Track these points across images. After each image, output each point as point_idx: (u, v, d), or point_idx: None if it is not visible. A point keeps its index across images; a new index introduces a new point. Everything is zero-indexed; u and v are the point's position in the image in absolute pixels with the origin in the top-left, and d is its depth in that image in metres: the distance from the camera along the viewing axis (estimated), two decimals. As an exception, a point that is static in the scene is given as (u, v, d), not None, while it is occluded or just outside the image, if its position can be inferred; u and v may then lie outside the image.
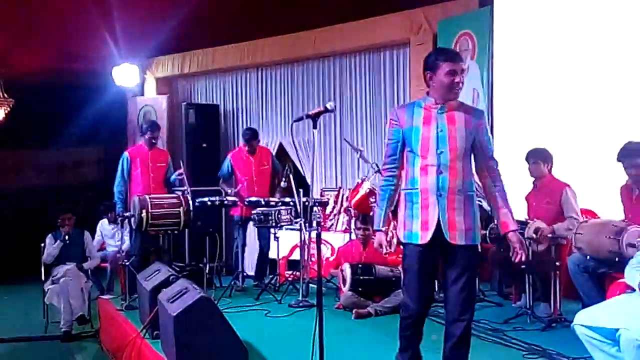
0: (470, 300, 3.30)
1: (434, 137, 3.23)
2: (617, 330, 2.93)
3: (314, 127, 3.54)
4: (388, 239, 3.66)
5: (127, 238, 6.86)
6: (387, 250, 3.42)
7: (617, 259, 4.10)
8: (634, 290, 3.23)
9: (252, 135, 6.83)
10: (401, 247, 3.41)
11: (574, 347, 3.30)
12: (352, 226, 6.26)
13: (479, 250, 3.38)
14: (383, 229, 3.44)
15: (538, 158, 5.15)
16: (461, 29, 7.07)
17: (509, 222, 3.33)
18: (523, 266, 4.97)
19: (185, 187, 6.10)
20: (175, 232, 6.04)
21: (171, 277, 4.63)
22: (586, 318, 3.11)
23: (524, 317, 4.96)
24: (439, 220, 3.21)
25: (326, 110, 3.56)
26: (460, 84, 3.26)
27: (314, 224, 3.54)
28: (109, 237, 7.73)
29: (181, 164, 6.37)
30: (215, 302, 4.86)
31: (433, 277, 3.46)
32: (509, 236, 3.32)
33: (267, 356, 4.26)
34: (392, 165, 3.39)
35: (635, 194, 4.49)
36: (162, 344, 4.35)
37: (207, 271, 5.97)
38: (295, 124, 3.88)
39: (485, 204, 4.38)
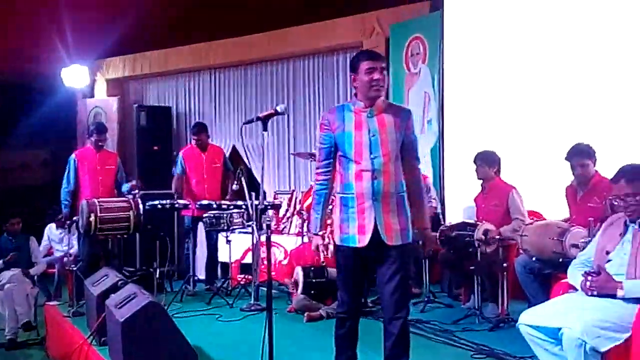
0: (405, 297, 3.34)
1: (366, 143, 3.27)
2: (559, 329, 2.98)
3: (264, 129, 3.54)
4: (325, 242, 3.66)
5: (75, 243, 6.71)
6: (324, 254, 3.44)
7: (560, 260, 4.18)
8: (576, 289, 3.31)
9: (200, 129, 6.78)
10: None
11: (521, 347, 3.36)
12: (305, 229, 6.26)
13: (412, 247, 3.40)
14: (320, 233, 3.47)
15: (483, 161, 5.25)
16: (413, 33, 7.16)
17: (423, 220, 3.41)
18: (472, 267, 5.09)
19: (136, 191, 6.00)
20: (125, 236, 5.94)
21: (120, 282, 4.55)
22: (530, 318, 3.17)
23: (472, 318, 5.03)
24: (375, 224, 3.27)
25: (277, 113, 3.56)
26: (381, 82, 3.26)
27: (264, 227, 3.48)
28: (57, 242, 7.57)
29: (133, 180, 6.29)
30: (165, 307, 4.82)
31: (365, 276, 3.50)
32: (424, 233, 3.39)
33: (216, 360, 4.23)
34: (326, 170, 3.41)
35: (580, 195, 4.61)
36: (110, 350, 4.27)
37: (157, 275, 5.88)
38: (247, 126, 3.85)
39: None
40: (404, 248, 3.30)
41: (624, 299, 3.05)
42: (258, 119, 3.54)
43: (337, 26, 7.97)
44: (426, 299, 5.62)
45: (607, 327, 2.94)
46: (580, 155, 4.54)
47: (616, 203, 3.32)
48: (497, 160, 5.26)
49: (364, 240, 3.27)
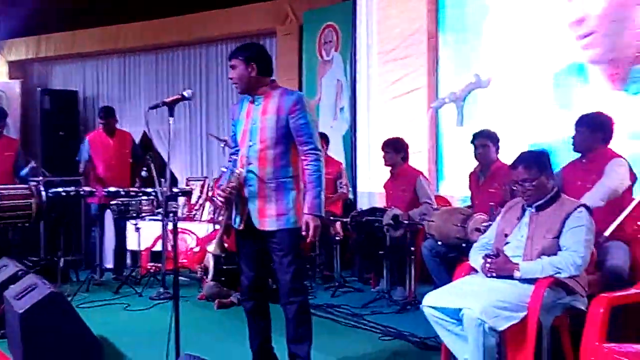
0: (296, 282, 3.35)
1: (248, 131, 3.35)
2: (460, 310, 3.08)
3: (170, 115, 3.46)
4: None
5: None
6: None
7: (464, 245, 4.32)
8: (477, 272, 3.42)
9: (107, 113, 6.55)
10: None
11: (426, 328, 3.44)
12: (217, 215, 6.19)
13: (299, 232, 3.34)
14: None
15: (391, 147, 5.35)
16: (326, 21, 7.20)
17: (308, 205, 3.34)
18: (381, 252, 5.19)
19: (39, 178, 5.75)
20: (27, 224, 5.68)
21: (19, 273, 4.35)
22: (433, 299, 3.25)
23: (382, 301, 5.15)
24: (249, 209, 3.33)
25: (183, 98, 3.48)
26: (232, 79, 3.37)
27: (171, 215, 3.43)
28: (-46, 232, 7.17)
29: (31, 160, 6.02)
30: (70, 297, 4.66)
31: (260, 261, 3.47)
32: (305, 219, 3.34)
33: (124, 351, 4.13)
34: (235, 157, 3.51)
35: (482, 181, 4.77)
36: (9, 344, 4.09)
37: (62, 265, 5.67)
38: (158, 111, 3.75)
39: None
40: (286, 232, 3.31)
41: (520, 279, 3.18)
42: (164, 104, 3.45)
43: (251, 12, 7.90)
44: (337, 284, 5.70)
45: (505, 307, 3.04)
46: (482, 136, 4.72)
47: (515, 188, 3.45)
48: (404, 146, 5.38)
49: (240, 224, 3.37)
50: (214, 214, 6.57)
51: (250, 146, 3.32)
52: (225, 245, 3.60)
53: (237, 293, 5.25)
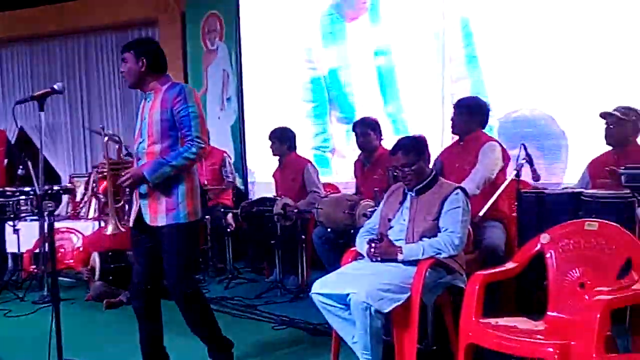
0: (180, 276, 3.31)
1: (139, 128, 3.34)
2: (347, 295, 3.14)
3: (40, 109, 3.28)
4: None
5: None
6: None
7: (352, 231, 4.40)
8: (364, 257, 3.50)
9: None
10: None
11: (318, 314, 3.49)
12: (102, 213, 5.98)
13: (192, 226, 3.35)
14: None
15: (277, 138, 5.39)
16: (209, 10, 7.09)
17: (148, 165, 3.28)
18: (273, 241, 5.21)
19: None
20: None
21: None
22: (321, 286, 3.29)
23: (275, 291, 5.16)
24: (140, 205, 3.31)
25: (53, 91, 3.31)
26: (123, 72, 3.37)
27: (46, 214, 3.26)
28: None
29: None
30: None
31: (152, 259, 3.39)
32: (134, 169, 3.32)
33: (3, 358, 3.92)
34: None
35: (366, 168, 4.88)
36: None
37: None
38: (33, 107, 3.58)
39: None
40: (173, 228, 3.26)
41: (403, 262, 3.28)
42: (32, 98, 3.28)
43: (129, 0, 7.64)
44: (230, 276, 5.66)
45: (389, 289, 3.13)
46: (363, 124, 4.82)
47: (395, 173, 3.55)
48: (290, 136, 5.41)
49: (131, 221, 3.34)
50: (100, 211, 6.35)
51: (140, 143, 3.29)
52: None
53: (126, 292, 5.09)
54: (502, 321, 2.89)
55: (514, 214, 3.96)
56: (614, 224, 2.91)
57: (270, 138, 5.39)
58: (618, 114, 3.82)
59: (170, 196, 3.26)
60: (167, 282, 3.34)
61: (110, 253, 5.29)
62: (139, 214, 3.31)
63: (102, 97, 8.06)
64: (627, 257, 2.79)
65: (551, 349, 2.47)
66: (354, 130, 4.85)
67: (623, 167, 3.06)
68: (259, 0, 6.73)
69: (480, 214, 3.62)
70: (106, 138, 3.54)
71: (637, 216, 3.11)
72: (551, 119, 4.92)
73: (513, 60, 5.07)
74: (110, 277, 5.21)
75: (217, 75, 7.10)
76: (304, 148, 5.96)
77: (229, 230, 5.85)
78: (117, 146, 3.55)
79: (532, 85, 5.01)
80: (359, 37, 6.03)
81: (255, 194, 6.68)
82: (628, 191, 3.27)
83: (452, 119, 4.20)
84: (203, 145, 3.24)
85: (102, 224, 5.92)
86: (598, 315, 2.34)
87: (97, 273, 5.23)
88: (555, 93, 4.88)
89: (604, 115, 3.90)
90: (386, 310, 3.11)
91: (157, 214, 3.26)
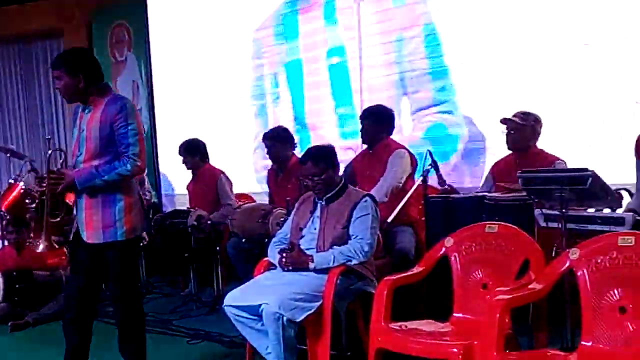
0: (122, 296, 3.24)
1: (77, 140, 3.23)
2: (259, 306, 3.14)
3: None
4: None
5: None
6: None
7: (266, 241, 4.39)
8: (276, 267, 3.51)
9: None
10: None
11: (234, 326, 3.47)
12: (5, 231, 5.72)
13: (132, 243, 3.27)
14: None
15: (187, 151, 5.34)
16: (116, 20, 6.95)
17: (82, 171, 3.22)
18: (187, 254, 5.14)
19: None
20: None
21: None
22: (233, 298, 3.28)
23: (191, 304, 5.09)
24: (77, 221, 3.23)
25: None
26: (59, 89, 3.22)
27: None
28: None
29: None
30: None
31: (89, 275, 3.30)
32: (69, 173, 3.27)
33: None
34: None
35: (280, 177, 4.88)
36: None
37: None
38: None
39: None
40: (112, 246, 3.17)
41: (315, 270, 3.31)
42: None
43: (35, 10, 7.38)
44: (144, 291, 5.53)
45: (301, 298, 3.16)
46: (271, 137, 4.82)
47: (306, 183, 3.58)
48: (200, 147, 5.36)
49: (70, 235, 3.29)
50: (2, 229, 6.07)
51: (77, 157, 3.18)
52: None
53: (33, 313, 4.91)
54: (411, 325, 2.97)
55: (423, 219, 4.06)
56: (512, 226, 3.05)
57: (179, 153, 5.33)
58: (517, 119, 3.97)
59: (108, 212, 3.16)
60: (109, 298, 3.28)
61: (15, 273, 5.07)
62: (77, 229, 3.22)
63: (4, 111, 7.74)
64: (525, 258, 2.92)
65: (455, 350, 2.56)
66: (263, 141, 4.85)
67: (520, 171, 3.19)
68: (169, 8, 6.63)
69: (389, 220, 3.70)
70: (8, 154, 3.43)
71: (536, 218, 3.25)
72: (470, 122, 4.97)
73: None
74: (16, 298, 4.99)
75: (127, 86, 6.95)
76: (249, 149, 5.90)
77: (142, 244, 5.71)
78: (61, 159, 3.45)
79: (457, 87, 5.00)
80: (313, 34, 5.79)
81: (176, 205, 6.53)
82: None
83: (361, 130, 4.28)
84: (139, 164, 3.17)
85: (6, 243, 5.66)
86: (497, 315, 2.43)
87: (1, 294, 5.00)
88: (473, 95, 4.90)
89: (504, 121, 4.05)
90: (299, 320, 3.14)
91: (94, 230, 3.15)
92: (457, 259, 3.11)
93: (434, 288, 3.64)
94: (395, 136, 4.44)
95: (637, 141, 3.33)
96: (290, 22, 5.87)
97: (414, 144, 4.85)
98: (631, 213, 2.93)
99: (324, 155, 3.50)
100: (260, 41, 6.06)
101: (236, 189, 5.46)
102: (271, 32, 5.99)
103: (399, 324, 2.94)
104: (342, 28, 5.55)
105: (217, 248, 5.05)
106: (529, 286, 2.64)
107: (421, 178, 3.83)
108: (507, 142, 4.06)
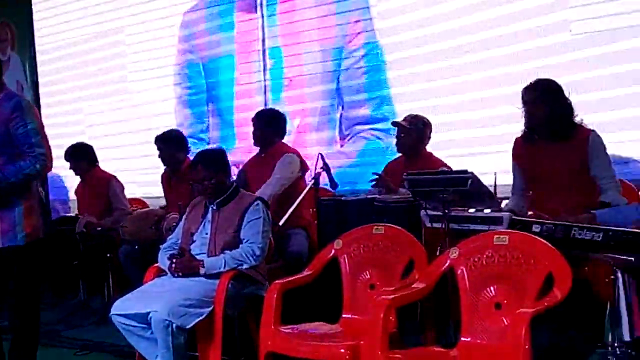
0: (20, 303, 3.15)
1: None
2: (148, 313, 3.07)
3: None
4: None
5: None
6: None
7: (160, 246, 4.30)
8: (167, 273, 3.44)
9: None
10: None
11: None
12: None
13: (34, 248, 3.18)
14: None
15: (73, 156, 5.15)
16: (-2, 18, 6.61)
17: None
18: (75, 262, 4.96)
19: None
20: None
21: None
22: (120, 307, 3.20)
23: (80, 313, 4.92)
24: None
25: None
26: None
27: None
28: None
29: None
30: None
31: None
32: None
33: None
34: None
35: (173, 181, 4.79)
36: None
37: None
38: None
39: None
40: (10, 251, 3.06)
41: (206, 276, 3.27)
42: None
43: None
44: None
45: (191, 304, 3.12)
46: (162, 140, 4.70)
47: (197, 187, 3.54)
48: (86, 151, 5.19)
49: None
50: None
51: None
52: None
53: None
54: (302, 327, 2.99)
55: (316, 221, 4.10)
56: (397, 226, 3.14)
57: (65, 158, 5.12)
58: (405, 123, 4.08)
59: (7, 216, 3.03)
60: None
61: None
62: None
63: None
64: (410, 257, 3.01)
65: (343, 350, 2.60)
66: (155, 143, 4.74)
67: (405, 173, 3.28)
68: (54, 7, 6.37)
69: (280, 223, 3.72)
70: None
71: (422, 219, 3.35)
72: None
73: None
74: None
75: (10, 85, 6.55)
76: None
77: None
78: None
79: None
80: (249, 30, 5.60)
81: (72, 210, 6.24)
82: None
83: (253, 132, 4.28)
84: (47, 163, 3.06)
85: None
86: (382, 315, 2.49)
87: None
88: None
89: (394, 124, 4.16)
90: (189, 326, 3.10)
91: None
92: (346, 260, 3.16)
93: (326, 290, 3.68)
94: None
95: (514, 144, 3.50)
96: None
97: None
98: (509, 213, 3.07)
99: (215, 159, 3.48)
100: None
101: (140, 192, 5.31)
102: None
103: (290, 326, 2.95)
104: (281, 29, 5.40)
105: (109, 255, 4.90)
106: (413, 285, 2.73)
107: (312, 181, 3.87)
108: (397, 145, 4.16)
